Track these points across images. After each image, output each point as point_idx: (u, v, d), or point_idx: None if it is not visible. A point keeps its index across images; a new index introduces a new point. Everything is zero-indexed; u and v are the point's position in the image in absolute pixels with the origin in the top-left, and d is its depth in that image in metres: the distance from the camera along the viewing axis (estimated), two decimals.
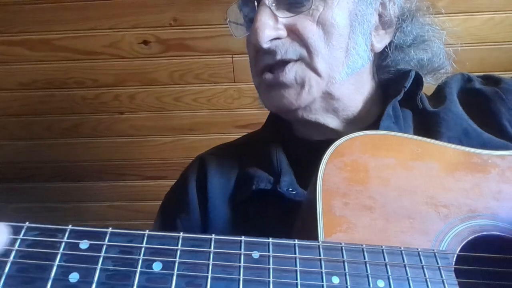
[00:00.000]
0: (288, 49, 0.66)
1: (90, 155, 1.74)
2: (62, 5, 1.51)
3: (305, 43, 0.66)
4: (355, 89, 0.72)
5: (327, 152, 0.54)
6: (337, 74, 0.68)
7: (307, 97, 0.67)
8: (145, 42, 1.55)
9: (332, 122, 0.72)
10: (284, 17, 0.66)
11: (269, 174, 0.71)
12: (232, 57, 1.55)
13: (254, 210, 0.69)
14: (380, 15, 0.72)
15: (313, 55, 0.66)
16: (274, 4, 0.66)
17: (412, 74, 0.73)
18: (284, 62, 0.67)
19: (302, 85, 0.67)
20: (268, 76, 0.69)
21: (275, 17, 0.66)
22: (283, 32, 0.66)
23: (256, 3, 0.67)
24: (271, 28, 0.65)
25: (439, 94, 0.77)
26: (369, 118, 0.73)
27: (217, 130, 1.68)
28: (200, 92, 1.62)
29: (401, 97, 0.71)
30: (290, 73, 0.67)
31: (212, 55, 1.56)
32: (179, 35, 1.54)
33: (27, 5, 1.51)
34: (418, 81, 0.73)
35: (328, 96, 0.69)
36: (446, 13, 1.43)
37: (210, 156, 0.83)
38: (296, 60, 0.67)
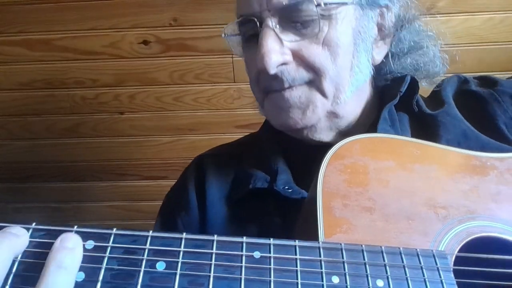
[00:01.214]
0: (295, 76, 0.65)
1: (90, 155, 1.74)
2: (62, 5, 1.51)
3: (312, 67, 0.65)
4: (356, 104, 0.72)
5: (327, 155, 0.55)
6: (342, 94, 0.67)
7: (312, 117, 0.67)
8: (145, 42, 1.56)
9: (332, 137, 0.72)
10: (289, 41, 0.64)
11: (266, 173, 0.72)
12: (232, 57, 1.55)
13: (252, 208, 0.70)
14: (379, 27, 0.71)
15: (321, 78, 0.65)
16: (278, 27, 0.64)
17: (408, 78, 0.72)
18: (291, 86, 0.66)
19: (307, 105, 0.66)
20: (275, 96, 0.68)
21: (280, 41, 0.63)
22: (289, 57, 0.64)
23: (258, 24, 0.64)
24: (277, 53, 0.63)
25: (436, 97, 0.77)
26: (366, 124, 0.73)
27: (217, 130, 1.68)
28: (200, 92, 1.63)
29: (396, 101, 0.71)
30: (297, 95, 0.66)
31: (212, 55, 1.56)
32: (179, 35, 1.55)
33: (27, 5, 1.51)
34: (413, 85, 0.73)
35: (333, 115, 0.69)
36: (446, 13, 1.44)
37: (209, 156, 0.83)
38: (303, 84, 0.66)
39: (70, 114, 1.67)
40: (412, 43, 0.74)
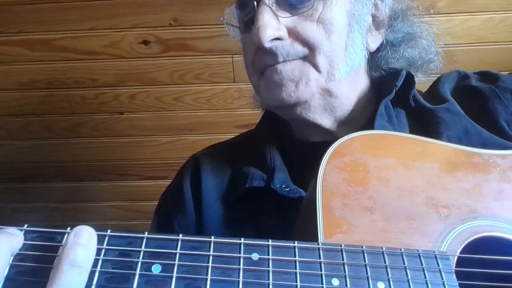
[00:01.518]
0: (289, 51, 0.67)
1: (90, 155, 1.74)
2: (62, 5, 1.51)
3: (307, 42, 0.66)
4: (351, 87, 0.72)
5: (326, 153, 0.54)
6: (336, 71, 0.68)
7: (305, 90, 0.67)
8: (145, 42, 1.55)
9: (328, 122, 0.72)
10: (285, 17, 0.66)
11: (262, 172, 0.71)
12: (232, 57, 1.55)
13: (248, 208, 0.70)
14: (373, 16, 0.73)
15: (316, 52, 0.67)
16: (274, 4, 0.66)
17: (403, 73, 0.73)
18: (286, 61, 0.67)
19: (300, 78, 0.67)
20: (268, 71, 0.69)
21: (277, 17, 0.66)
22: (284, 33, 0.66)
23: (255, 3, 0.67)
24: (273, 27, 0.65)
25: (435, 92, 0.76)
26: (363, 118, 0.73)
27: (217, 130, 1.67)
28: (200, 92, 1.62)
29: (392, 96, 0.71)
30: (290, 68, 0.67)
31: (212, 55, 1.56)
32: (179, 35, 1.54)
33: (27, 5, 1.51)
34: (409, 80, 0.73)
35: (326, 93, 0.69)
36: (446, 13, 1.44)
37: (204, 156, 0.83)
38: (297, 58, 0.67)
39: (70, 114, 1.67)
40: (405, 34, 0.76)
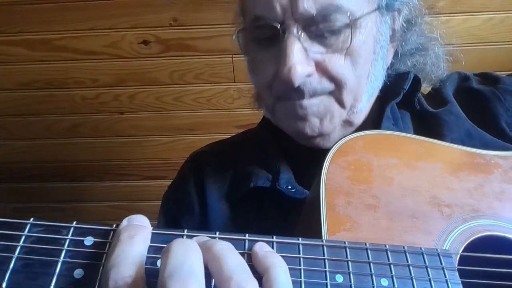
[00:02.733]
0: (316, 88, 0.62)
1: (90, 155, 1.74)
2: (62, 5, 1.51)
3: (335, 78, 0.63)
4: (368, 108, 0.71)
5: (330, 152, 0.54)
6: (359, 103, 0.66)
7: (329, 126, 0.65)
8: (145, 42, 1.56)
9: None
10: (315, 52, 0.61)
11: (267, 172, 0.71)
12: (232, 57, 1.55)
13: (253, 208, 0.69)
14: (392, 31, 0.69)
15: (342, 89, 0.63)
16: (303, 35, 0.60)
17: (411, 76, 0.72)
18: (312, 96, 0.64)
19: (325, 114, 0.65)
20: (291, 103, 0.65)
21: (306, 52, 0.60)
22: (312, 69, 0.61)
23: (281, 31, 0.60)
24: (303, 65, 0.60)
25: (437, 94, 0.76)
26: (368, 123, 0.72)
27: (217, 130, 1.68)
28: (200, 92, 1.62)
29: (400, 99, 0.70)
30: (316, 104, 0.64)
31: (212, 55, 1.56)
32: (179, 35, 1.55)
33: (27, 5, 1.51)
34: (416, 83, 0.72)
35: (347, 124, 0.68)
36: (446, 13, 1.44)
37: (205, 154, 0.82)
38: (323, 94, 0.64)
39: (70, 114, 1.67)
40: (417, 45, 0.73)
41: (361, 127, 0.71)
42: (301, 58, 0.59)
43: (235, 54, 1.53)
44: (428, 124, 0.70)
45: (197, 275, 0.34)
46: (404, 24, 0.70)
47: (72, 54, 1.57)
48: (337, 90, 0.64)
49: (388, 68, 0.73)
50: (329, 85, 0.63)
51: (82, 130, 1.69)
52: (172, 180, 0.84)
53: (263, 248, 0.40)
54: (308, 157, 0.67)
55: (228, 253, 0.37)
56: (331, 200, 0.49)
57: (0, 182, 1.79)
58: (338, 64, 0.62)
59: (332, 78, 0.63)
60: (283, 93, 0.65)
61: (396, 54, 0.73)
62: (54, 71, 1.60)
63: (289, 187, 0.66)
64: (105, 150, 1.73)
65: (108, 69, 1.60)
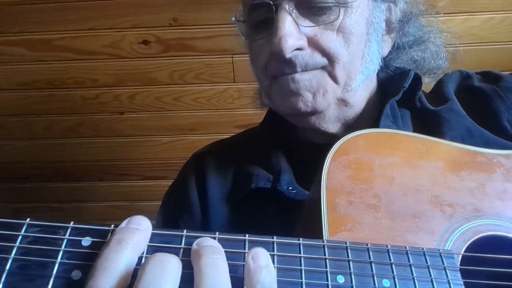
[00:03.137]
0: (308, 62, 0.64)
1: (90, 155, 1.74)
2: (62, 5, 1.51)
3: (327, 53, 0.64)
4: (364, 94, 0.71)
5: (331, 150, 0.54)
6: (353, 81, 0.67)
7: (322, 102, 0.66)
8: (145, 42, 1.56)
9: (336, 128, 0.71)
10: (306, 26, 0.64)
11: (268, 173, 0.70)
12: (232, 57, 1.55)
13: (253, 209, 0.69)
14: (386, 21, 0.71)
15: (335, 63, 0.65)
16: (295, 11, 0.63)
17: (411, 74, 0.72)
18: (304, 71, 0.66)
19: (318, 89, 0.65)
20: (284, 79, 0.67)
21: (297, 25, 0.63)
22: (304, 43, 0.63)
23: (274, 8, 0.64)
24: (294, 37, 0.62)
25: (438, 92, 0.76)
26: (368, 120, 0.72)
27: (217, 130, 1.68)
28: (200, 92, 1.62)
29: (399, 97, 0.70)
30: (308, 78, 0.65)
31: (212, 55, 1.56)
32: (179, 35, 1.54)
33: (27, 5, 1.51)
34: (416, 81, 0.72)
35: (342, 103, 0.68)
36: (446, 13, 1.44)
37: (206, 154, 0.82)
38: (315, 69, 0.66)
39: (70, 114, 1.67)
40: (416, 37, 0.74)
41: (360, 125, 0.70)
42: (292, 30, 0.62)
43: (235, 54, 1.52)
44: (428, 122, 0.70)
45: None
46: (401, 16, 0.72)
47: (72, 54, 1.57)
48: (329, 65, 0.65)
49: (387, 61, 0.74)
50: (321, 60, 0.65)
51: (82, 130, 1.69)
52: (172, 180, 0.84)
53: (256, 261, 0.39)
54: (309, 157, 0.67)
55: (211, 269, 0.36)
56: (332, 199, 0.49)
57: (0, 182, 1.79)
58: (330, 39, 0.64)
59: (324, 53, 0.64)
60: (277, 69, 0.67)
61: (395, 46, 0.74)
62: (54, 71, 1.60)
63: (290, 188, 0.66)
64: (105, 150, 1.73)
65: (108, 69, 1.60)
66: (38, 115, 1.67)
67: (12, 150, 1.73)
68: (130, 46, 1.56)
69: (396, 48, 0.74)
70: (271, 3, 0.64)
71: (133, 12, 1.52)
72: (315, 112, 0.67)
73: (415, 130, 0.70)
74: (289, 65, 0.64)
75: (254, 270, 0.38)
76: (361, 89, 0.69)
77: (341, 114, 0.69)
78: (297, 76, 0.65)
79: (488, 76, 0.77)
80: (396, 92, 0.70)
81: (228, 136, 0.91)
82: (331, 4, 0.63)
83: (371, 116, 0.72)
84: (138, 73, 1.60)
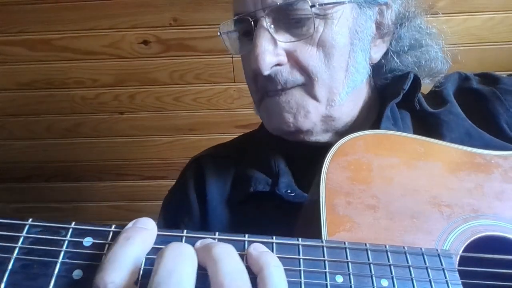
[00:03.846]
0: (287, 78, 0.64)
1: (90, 155, 1.74)
2: (62, 5, 1.51)
3: (306, 70, 0.64)
4: (353, 105, 0.70)
5: (330, 151, 0.54)
6: (337, 96, 0.66)
7: (305, 122, 0.66)
8: (145, 42, 1.56)
9: (329, 138, 0.71)
10: (284, 41, 0.63)
11: (266, 176, 0.71)
12: (232, 57, 1.55)
13: (252, 212, 0.69)
14: (377, 25, 0.69)
15: (314, 82, 0.64)
16: (272, 26, 0.63)
17: (411, 76, 0.71)
18: (284, 89, 0.66)
19: (298, 110, 0.65)
20: (268, 101, 0.68)
21: (275, 41, 0.63)
22: (283, 58, 0.63)
23: (252, 24, 0.64)
24: (271, 54, 0.62)
25: (437, 94, 0.76)
26: (367, 124, 0.72)
27: (217, 130, 1.68)
28: (200, 92, 1.62)
29: (399, 99, 0.70)
30: (286, 100, 0.65)
31: (212, 55, 1.56)
32: (179, 35, 1.55)
33: (27, 5, 1.51)
34: (416, 83, 0.71)
35: (328, 118, 0.68)
36: (446, 13, 1.44)
37: (206, 157, 0.82)
38: (296, 86, 0.66)
39: (70, 114, 1.67)
40: (412, 41, 0.73)
41: (361, 128, 0.70)
42: (268, 47, 0.62)
43: (235, 54, 1.52)
44: (428, 124, 0.70)
45: (185, 285, 0.34)
46: (394, 19, 0.70)
47: (72, 54, 1.57)
48: (309, 83, 0.65)
49: (384, 67, 0.73)
50: (300, 77, 0.64)
51: (82, 130, 1.69)
52: (172, 180, 0.84)
53: (257, 249, 0.40)
54: (308, 159, 0.67)
55: (226, 257, 0.37)
56: (331, 200, 0.49)
57: (0, 182, 1.79)
58: (308, 54, 0.63)
59: (303, 70, 0.64)
60: (262, 84, 0.67)
61: (390, 51, 0.72)
62: (54, 71, 1.60)
63: (289, 191, 0.66)
64: (105, 150, 1.73)
65: (108, 69, 1.60)
66: (38, 115, 1.67)
67: (12, 150, 1.73)
68: (130, 46, 1.56)
69: (392, 55, 0.72)
70: (250, 19, 0.64)
71: (133, 12, 1.52)
72: (299, 131, 0.67)
73: (415, 132, 0.70)
74: (270, 81, 0.65)
75: (259, 255, 0.39)
76: (348, 101, 0.68)
77: (329, 127, 0.69)
78: (277, 98, 0.66)
79: (487, 78, 0.77)
80: (396, 95, 0.70)
81: (228, 136, 0.92)
82: (309, 16, 0.62)
83: (369, 121, 0.72)
84: (138, 73, 1.60)
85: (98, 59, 1.58)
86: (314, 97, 0.65)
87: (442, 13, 1.43)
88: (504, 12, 1.47)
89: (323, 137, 0.70)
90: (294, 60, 0.64)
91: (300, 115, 0.65)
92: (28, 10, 1.52)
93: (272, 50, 0.62)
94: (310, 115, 0.65)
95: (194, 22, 1.53)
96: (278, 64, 0.63)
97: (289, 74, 0.64)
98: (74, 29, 1.54)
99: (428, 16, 0.76)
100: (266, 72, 0.62)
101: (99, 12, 1.52)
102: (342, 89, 0.66)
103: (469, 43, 1.50)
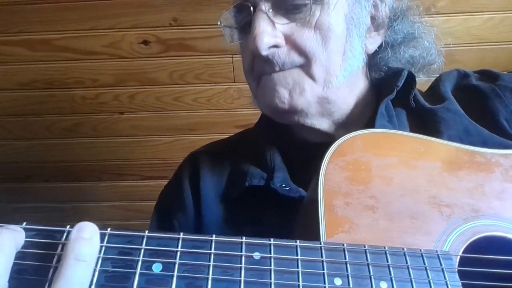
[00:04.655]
0: (285, 60, 0.65)
1: (90, 155, 1.74)
2: (62, 5, 1.51)
3: (303, 52, 0.65)
4: (350, 91, 0.71)
5: (328, 151, 0.54)
6: (334, 78, 0.67)
7: (300, 100, 0.66)
8: (145, 42, 1.55)
9: (326, 126, 0.71)
10: (282, 23, 0.65)
11: (262, 171, 0.71)
12: (232, 57, 1.55)
13: (248, 207, 0.69)
14: (372, 17, 0.71)
15: (312, 62, 0.66)
16: (271, 10, 0.65)
17: (405, 73, 0.72)
18: (282, 70, 0.67)
19: (293, 87, 0.66)
20: (264, 78, 0.68)
21: (273, 24, 0.65)
22: (281, 40, 0.65)
23: (252, 9, 0.66)
24: (269, 35, 0.64)
25: (435, 91, 0.76)
26: (363, 119, 0.72)
27: (217, 130, 1.68)
28: (200, 92, 1.62)
29: (393, 96, 0.70)
30: (284, 76, 0.66)
31: (212, 55, 1.56)
32: (179, 35, 1.54)
33: (27, 5, 1.51)
34: (410, 80, 0.72)
35: (324, 100, 0.68)
36: (446, 13, 1.44)
37: (202, 154, 0.83)
38: (293, 67, 0.67)
39: (70, 114, 1.67)
40: (406, 34, 0.74)
41: (354, 124, 0.71)
42: (266, 28, 0.64)
43: (235, 54, 1.52)
44: (425, 121, 0.70)
45: None
46: (389, 13, 0.72)
47: (72, 54, 1.57)
48: (306, 64, 0.66)
49: (378, 60, 0.74)
50: (298, 59, 0.66)
51: (82, 130, 1.69)
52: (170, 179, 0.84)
53: (78, 232, 0.39)
54: (304, 155, 0.67)
55: None
56: (329, 201, 0.49)
57: (0, 182, 1.79)
58: (306, 37, 0.65)
59: (301, 52, 0.66)
60: (259, 69, 0.68)
61: (384, 44, 0.73)
62: (54, 71, 1.60)
63: (283, 185, 0.67)
64: (105, 150, 1.73)
65: (108, 69, 1.60)
66: (38, 115, 1.67)
67: (12, 150, 1.73)
68: (130, 46, 1.56)
69: (387, 46, 0.74)
70: (249, 4, 0.66)
71: (133, 12, 1.52)
72: (293, 110, 0.68)
73: (411, 129, 0.70)
74: (268, 63, 0.66)
75: (74, 240, 0.38)
76: (344, 86, 0.69)
77: (324, 111, 0.70)
78: (275, 75, 0.66)
79: (486, 75, 0.77)
80: (390, 92, 0.70)
81: (227, 137, 0.92)
82: (306, 2, 0.64)
83: (365, 116, 0.72)
84: (138, 73, 1.60)
85: (98, 59, 1.58)
86: (312, 77, 0.66)
87: (442, 13, 1.44)
88: (504, 12, 1.47)
89: (319, 122, 0.71)
90: (291, 43, 0.65)
91: (295, 92, 0.66)
92: (28, 10, 1.51)
93: (271, 32, 0.64)
94: (305, 93, 0.66)
95: (194, 22, 1.52)
96: (275, 46, 0.65)
97: (286, 56, 0.66)
98: (74, 29, 1.54)
99: (424, 13, 0.77)
100: (264, 52, 0.64)
101: (99, 12, 1.52)
102: (340, 72, 0.67)
103: (469, 43, 1.50)
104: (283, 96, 0.67)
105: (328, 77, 0.67)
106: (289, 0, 0.64)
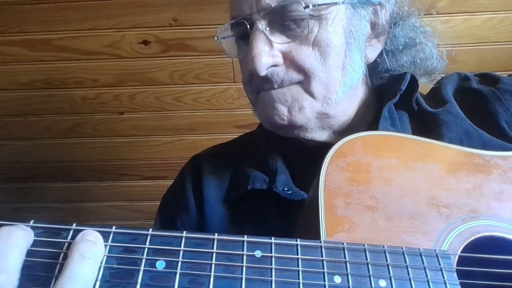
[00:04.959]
0: (284, 78, 0.65)
1: (90, 155, 1.74)
2: (62, 5, 1.51)
3: (302, 69, 0.65)
4: (349, 104, 0.71)
5: (329, 153, 0.54)
6: (333, 94, 0.66)
7: (299, 117, 0.66)
8: (145, 42, 1.56)
9: (326, 136, 0.71)
10: (279, 42, 0.64)
11: (264, 174, 0.71)
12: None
13: (250, 210, 0.69)
14: (372, 24, 0.70)
15: (311, 79, 0.65)
16: (268, 29, 0.64)
17: (408, 76, 0.71)
18: (281, 87, 0.66)
19: (292, 103, 0.66)
20: (263, 94, 0.68)
21: (270, 43, 0.64)
22: (279, 59, 0.64)
23: (248, 27, 0.65)
24: (267, 55, 0.63)
25: (436, 94, 0.76)
26: (364, 123, 0.72)
27: (217, 130, 1.68)
28: (200, 92, 1.63)
29: (397, 99, 0.70)
30: (282, 92, 0.66)
31: (212, 55, 1.56)
32: (179, 35, 1.55)
33: (27, 5, 1.51)
34: (413, 83, 0.72)
35: (323, 115, 0.68)
36: (446, 13, 1.44)
37: (205, 156, 0.83)
38: (292, 84, 0.66)
39: (70, 114, 1.67)
40: (407, 39, 0.73)
41: (354, 131, 0.70)
42: (264, 48, 0.63)
43: (232, 57, 1.52)
44: (426, 124, 0.70)
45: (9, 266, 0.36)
46: (389, 18, 0.71)
47: (72, 54, 1.57)
48: (305, 81, 0.65)
49: (380, 66, 0.74)
50: (297, 76, 0.65)
51: (82, 130, 1.69)
52: (172, 181, 0.85)
53: (84, 236, 0.40)
54: (306, 158, 0.67)
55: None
56: (329, 201, 0.49)
57: (0, 182, 1.79)
58: (305, 55, 0.64)
59: (299, 69, 0.65)
60: (257, 85, 0.68)
61: (385, 50, 0.73)
62: (54, 71, 1.60)
63: (286, 189, 0.67)
64: (105, 150, 1.73)
65: (108, 69, 1.60)
66: (38, 115, 1.68)
67: (12, 150, 1.73)
68: (130, 46, 1.56)
69: (387, 54, 0.73)
70: (246, 22, 0.65)
71: (133, 12, 1.52)
72: (293, 126, 0.67)
73: (413, 132, 0.70)
74: (267, 81, 0.66)
75: (79, 240, 0.39)
76: (344, 100, 0.68)
77: (324, 124, 0.69)
78: (273, 91, 0.66)
79: (487, 78, 0.77)
80: (393, 95, 0.70)
81: (228, 136, 0.92)
82: (303, 17, 0.63)
83: (366, 121, 0.72)
84: (138, 73, 1.60)
85: (98, 59, 1.58)
86: (311, 94, 0.66)
87: (442, 13, 1.44)
88: (504, 12, 1.47)
89: (320, 135, 0.71)
90: (290, 61, 0.65)
91: (294, 109, 0.66)
92: (28, 10, 1.52)
93: (268, 51, 0.64)
94: (304, 111, 0.66)
95: (194, 22, 1.53)
96: (274, 65, 0.64)
97: (285, 74, 0.65)
98: (74, 29, 1.54)
99: (424, 15, 0.77)
100: (262, 72, 0.64)
101: (99, 12, 1.52)
102: (339, 88, 0.67)
103: (469, 43, 1.50)
104: (282, 113, 0.66)
105: (328, 94, 0.66)
106: (286, 16, 0.63)
